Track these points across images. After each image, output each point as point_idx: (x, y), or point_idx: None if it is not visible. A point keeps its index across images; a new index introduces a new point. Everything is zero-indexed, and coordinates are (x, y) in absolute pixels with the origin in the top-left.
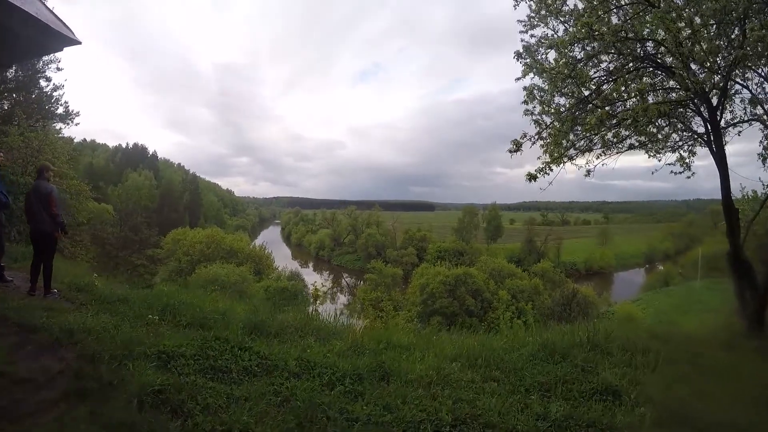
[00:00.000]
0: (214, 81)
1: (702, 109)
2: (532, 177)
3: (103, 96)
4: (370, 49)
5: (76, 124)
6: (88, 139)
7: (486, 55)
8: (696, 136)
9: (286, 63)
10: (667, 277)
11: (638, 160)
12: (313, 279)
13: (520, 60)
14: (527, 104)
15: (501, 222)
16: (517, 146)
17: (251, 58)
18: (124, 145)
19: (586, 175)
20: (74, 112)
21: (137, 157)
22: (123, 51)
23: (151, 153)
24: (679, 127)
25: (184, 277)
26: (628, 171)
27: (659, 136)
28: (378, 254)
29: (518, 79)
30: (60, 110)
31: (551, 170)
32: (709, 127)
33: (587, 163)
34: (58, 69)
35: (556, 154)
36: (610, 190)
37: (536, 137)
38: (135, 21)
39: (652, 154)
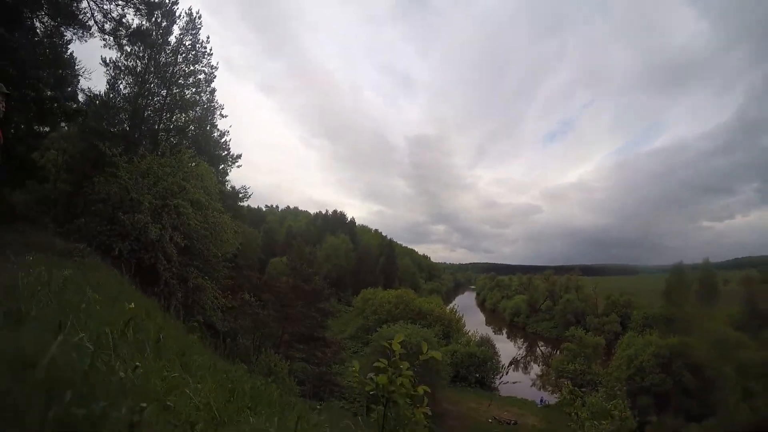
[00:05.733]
0: (407, 154)
1: None
2: None
3: (309, 170)
4: (553, 107)
5: (238, 166)
6: (291, 207)
7: (676, 96)
8: None
9: (472, 131)
10: None
11: None
12: (506, 346)
13: None
14: None
15: (717, 281)
16: None
17: (439, 130)
18: (324, 212)
19: None
20: (236, 155)
21: (336, 222)
22: (323, 131)
23: (349, 219)
24: None
25: (369, 333)
26: None
27: None
28: (577, 321)
29: None
30: (223, 153)
31: None
32: None
33: None
34: (222, 116)
35: None
36: None
37: None
38: (330, 103)
39: None
